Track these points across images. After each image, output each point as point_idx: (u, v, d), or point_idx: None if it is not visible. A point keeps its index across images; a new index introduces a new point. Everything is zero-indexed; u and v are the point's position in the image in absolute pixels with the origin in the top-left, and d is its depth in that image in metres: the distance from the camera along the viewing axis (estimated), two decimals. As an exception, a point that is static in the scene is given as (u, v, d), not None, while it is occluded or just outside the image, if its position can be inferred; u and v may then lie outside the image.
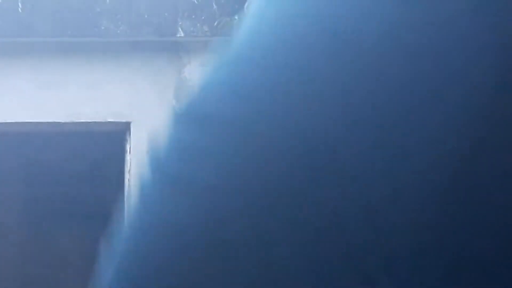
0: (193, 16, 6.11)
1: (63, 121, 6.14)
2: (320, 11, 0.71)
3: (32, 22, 6.05)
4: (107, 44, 6.06)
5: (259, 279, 0.69)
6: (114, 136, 6.34)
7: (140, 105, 6.15)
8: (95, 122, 6.14)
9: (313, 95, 0.64)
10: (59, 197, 8.02)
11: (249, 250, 0.68)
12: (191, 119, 0.69)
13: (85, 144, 6.94)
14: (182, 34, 6.12)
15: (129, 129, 6.12)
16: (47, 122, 6.21)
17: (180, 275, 0.64)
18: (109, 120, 6.15)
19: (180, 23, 6.11)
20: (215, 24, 5.94)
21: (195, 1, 6.11)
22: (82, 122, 6.10)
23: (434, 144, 0.62)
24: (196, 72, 6.21)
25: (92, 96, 6.06)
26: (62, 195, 7.99)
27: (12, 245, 7.96)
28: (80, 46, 6.07)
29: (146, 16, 6.10)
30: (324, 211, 0.63)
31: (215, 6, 6.08)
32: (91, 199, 7.86)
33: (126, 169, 6.11)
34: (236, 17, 5.61)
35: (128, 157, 6.14)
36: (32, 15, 6.07)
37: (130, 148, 6.12)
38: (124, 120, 6.14)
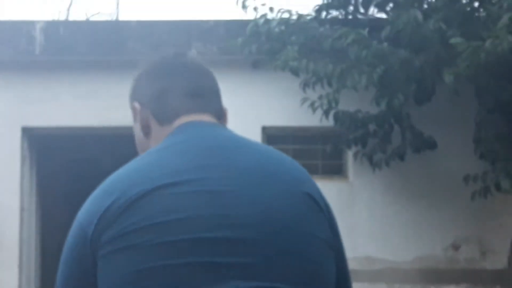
0: (204, 39, 6.15)
1: (96, 126, 6.20)
2: None
3: (71, 43, 6.09)
4: (133, 61, 6.08)
5: None
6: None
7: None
8: (123, 126, 6.16)
9: None
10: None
11: None
12: None
13: (115, 145, 6.96)
14: (195, 53, 6.16)
15: (151, 131, 6.14)
16: (83, 127, 6.26)
17: None
18: (134, 124, 6.18)
19: (193, 44, 6.15)
20: (222, 45, 5.98)
21: (206, 26, 6.15)
22: (112, 126, 6.13)
23: None
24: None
25: (120, 104, 6.07)
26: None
27: (57, 239, 7.99)
28: (111, 63, 6.12)
29: (165, 38, 6.14)
30: None
31: (222, 30, 6.13)
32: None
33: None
34: (240, 39, 5.65)
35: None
36: (72, 37, 6.11)
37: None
38: (147, 124, 6.15)
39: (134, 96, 1.41)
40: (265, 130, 6.25)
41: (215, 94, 1.41)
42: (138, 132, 1.40)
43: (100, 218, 1.17)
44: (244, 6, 5.57)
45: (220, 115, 1.39)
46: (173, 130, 1.32)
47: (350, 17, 5.82)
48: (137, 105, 1.38)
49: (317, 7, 5.77)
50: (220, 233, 1.13)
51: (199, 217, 1.14)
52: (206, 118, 1.35)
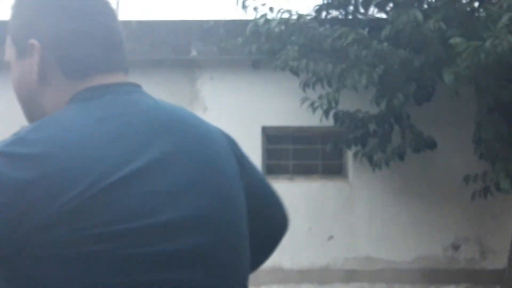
0: (204, 39, 6.15)
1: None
2: None
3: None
4: (133, 62, 6.08)
5: None
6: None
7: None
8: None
9: None
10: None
11: None
12: None
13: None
14: (195, 53, 6.17)
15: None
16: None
17: None
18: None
19: (193, 44, 6.16)
20: (222, 44, 5.99)
21: (206, 26, 6.15)
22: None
23: None
24: (206, 84, 6.25)
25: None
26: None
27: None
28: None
29: (165, 38, 6.14)
30: None
31: (222, 30, 6.13)
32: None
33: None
34: (240, 39, 5.65)
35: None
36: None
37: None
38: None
39: (30, 31, 1.13)
40: (265, 130, 6.25)
41: (123, 44, 1.20)
42: (27, 74, 1.14)
43: (49, 204, 0.95)
44: (244, 6, 5.57)
45: (128, 69, 1.20)
46: (92, 90, 1.10)
47: (350, 17, 5.82)
48: (36, 43, 1.11)
49: (317, 7, 5.77)
50: (174, 245, 1.01)
51: (156, 226, 0.99)
52: (124, 78, 1.16)
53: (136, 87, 1.16)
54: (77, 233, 0.95)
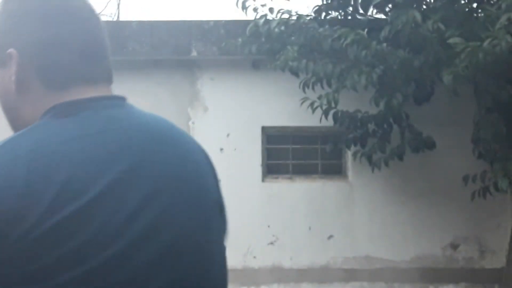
0: (204, 39, 6.16)
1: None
2: None
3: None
4: (133, 62, 6.15)
5: None
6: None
7: (161, 113, 6.16)
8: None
9: None
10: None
11: None
12: None
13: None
14: (195, 54, 6.18)
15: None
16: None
17: None
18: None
19: (193, 44, 6.17)
20: (222, 45, 6.00)
21: (206, 27, 6.16)
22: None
23: None
24: (206, 85, 6.26)
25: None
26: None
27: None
28: (111, 63, 6.08)
29: (165, 39, 6.15)
30: None
31: (222, 31, 6.14)
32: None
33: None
34: (240, 39, 5.66)
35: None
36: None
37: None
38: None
39: (10, 40, 1.10)
40: (265, 130, 6.26)
41: (108, 52, 1.17)
42: (6, 84, 1.11)
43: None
44: (244, 7, 5.58)
45: (112, 79, 1.17)
46: (68, 105, 1.07)
47: (349, 17, 5.83)
48: (14, 52, 1.08)
49: (316, 8, 5.79)
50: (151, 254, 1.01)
51: (128, 246, 0.98)
52: (107, 89, 1.13)
53: (118, 100, 1.13)
54: (42, 262, 0.92)
